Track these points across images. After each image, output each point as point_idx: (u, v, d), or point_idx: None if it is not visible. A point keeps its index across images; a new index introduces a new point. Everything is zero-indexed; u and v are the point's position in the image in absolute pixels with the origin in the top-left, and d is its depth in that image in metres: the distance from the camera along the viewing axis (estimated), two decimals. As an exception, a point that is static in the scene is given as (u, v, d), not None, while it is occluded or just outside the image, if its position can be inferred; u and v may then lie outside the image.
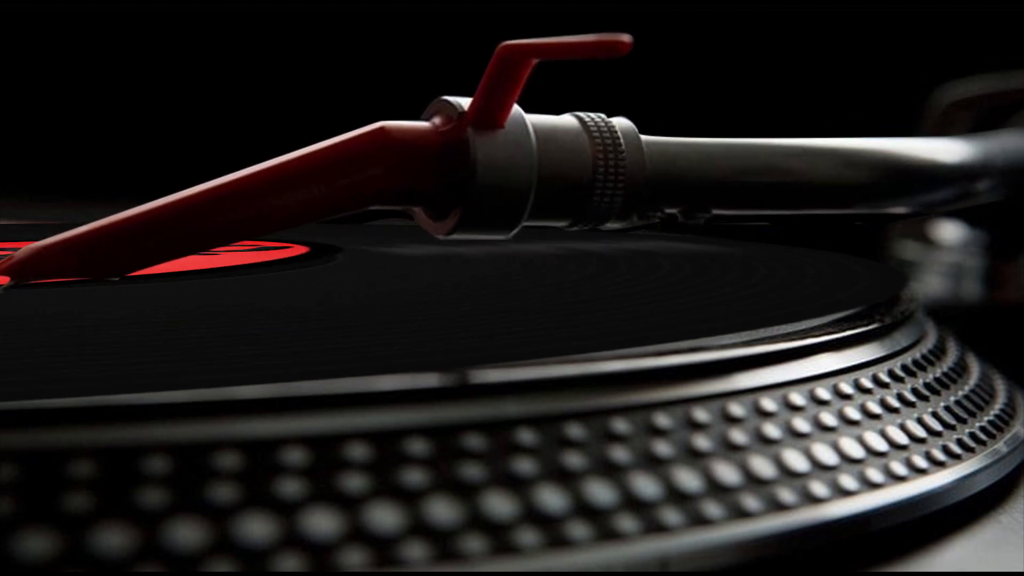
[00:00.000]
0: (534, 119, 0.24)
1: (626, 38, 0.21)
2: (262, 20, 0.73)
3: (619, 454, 0.19)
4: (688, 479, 0.19)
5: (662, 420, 0.20)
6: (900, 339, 0.25)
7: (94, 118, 0.74)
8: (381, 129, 0.23)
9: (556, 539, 0.17)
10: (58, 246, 0.22)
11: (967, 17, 0.63)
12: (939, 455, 0.22)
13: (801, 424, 0.21)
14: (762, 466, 0.20)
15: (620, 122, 0.25)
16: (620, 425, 0.19)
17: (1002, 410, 0.25)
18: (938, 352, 0.26)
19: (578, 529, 0.18)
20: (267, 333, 0.24)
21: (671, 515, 0.18)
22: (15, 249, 0.23)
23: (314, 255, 0.37)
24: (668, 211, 0.25)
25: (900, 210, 0.28)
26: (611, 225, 0.25)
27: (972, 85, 0.45)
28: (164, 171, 0.69)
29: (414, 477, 0.17)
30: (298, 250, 0.38)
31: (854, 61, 0.66)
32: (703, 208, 0.25)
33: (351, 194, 0.23)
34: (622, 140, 0.24)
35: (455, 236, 0.24)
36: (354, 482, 0.17)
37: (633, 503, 0.18)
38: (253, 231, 0.22)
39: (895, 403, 0.23)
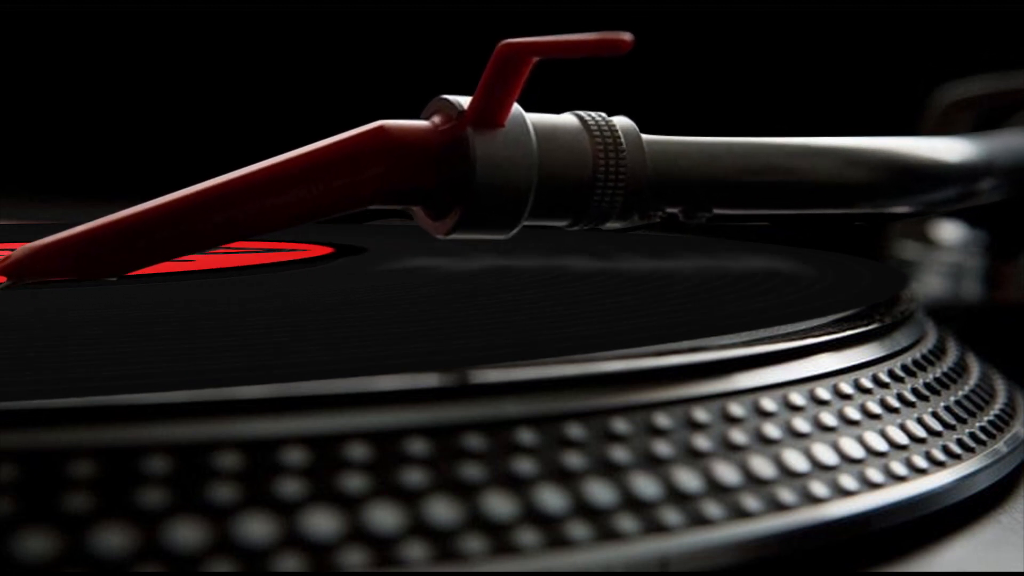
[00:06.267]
0: (534, 118, 0.23)
1: (627, 36, 0.21)
2: (260, 19, 0.73)
3: (619, 454, 0.19)
4: (688, 479, 0.19)
5: (662, 420, 0.20)
6: (900, 339, 0.25)
7: (94, 118, 0.74)
8: (380, 128, 0.23)
9: (556, 539, 0.17)
10: (54, 246, 0.22)
11: (967, 17, 0.63)
12: (939, 455, 0.22)
13: (801, 424, 0.21)
14: (762, 466, 0.20)
15: (621, 121, 0.24)
16: (620, 425, 0.19)
17: (1002, 410, 0.25)
18: (938, 352, 0.26)
19: (578, 529, 0.18)
20: (268, 333, 0.24)
21: (671, 515, 0.18)
22: (14, 250, 0.23)
23: (316, 257, 0.37)
24: (669, 210, 0.25)
25: (903, 209, 0.28)
26: (611, 225, 0.25)
27: (972, 85, 0.45)
28: (164, 171, 0.69)
29: (414, 477, 0.17)
30: (316, 251, 0.38)
31: (854, 61, 0.66)
32: (704, 207, 0.25)
33: (350, 193, 0.22)
34: (623, 139, 0.24)
35: (455, 236, 0.24)
36: (354, 482, 0.17)
37: (633, 503, 0.18)
38: (250, 231, 0.22)
39: (895, 403, 0.23)
